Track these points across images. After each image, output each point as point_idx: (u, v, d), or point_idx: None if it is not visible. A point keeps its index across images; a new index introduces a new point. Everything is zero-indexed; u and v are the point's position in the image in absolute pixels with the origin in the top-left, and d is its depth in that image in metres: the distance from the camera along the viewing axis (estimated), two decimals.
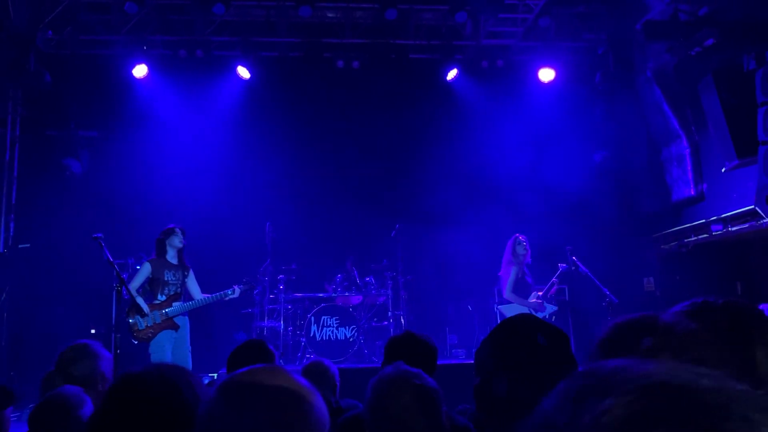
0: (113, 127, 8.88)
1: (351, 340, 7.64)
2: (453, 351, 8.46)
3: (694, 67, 7.80)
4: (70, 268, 7.94)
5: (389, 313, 8.03)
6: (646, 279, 8.96)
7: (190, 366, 5.69)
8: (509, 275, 6.95)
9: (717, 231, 7.79)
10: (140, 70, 8.62)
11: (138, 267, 6.41)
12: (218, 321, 8.37)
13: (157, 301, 5.87)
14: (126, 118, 8.87)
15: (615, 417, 0.44)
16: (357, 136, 9.40)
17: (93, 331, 7.93)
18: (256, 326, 7.95)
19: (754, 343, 1.07)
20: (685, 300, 1.21)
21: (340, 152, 9.34)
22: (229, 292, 6.13)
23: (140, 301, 5.71)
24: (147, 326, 5.74)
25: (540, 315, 6.75)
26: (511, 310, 6.85)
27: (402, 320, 8.02)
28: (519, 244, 7.02)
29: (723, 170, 7.50)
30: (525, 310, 6.71)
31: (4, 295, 8.01)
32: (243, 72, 8.97)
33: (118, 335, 4.73)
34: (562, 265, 7.02)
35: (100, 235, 4.92)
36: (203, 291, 6.15)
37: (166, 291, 5.91)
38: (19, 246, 8.40)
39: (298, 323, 8.00)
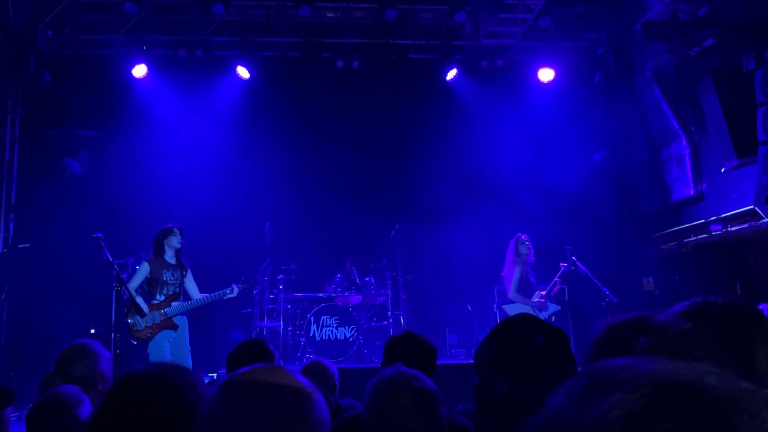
0: (113, 127, 8.88)
1: (350, 340, 7.64)
2: (453, 351, 8.46)
3: (693, 67, 7.81)
4: (69, 268, 7.94)
5: (389, 313, 8.03)
6: (645, 279, 8.97)
7: (190, 365, 5.69)
8: (513, 275, 6.93)
9: (716, 231, 7.80)
10: (140, 70, 8.62)
11: (138, 267, 6.41)
12: (218, 321, 8.37)
13: (156, 301, 5.86)
14: (126, 118, 8.87)
15: (623, 412, 0.44)
16: (357, 136, 9.39)
17: (93, 331, 7.93)
18: (256, 326, 7.94)
19: (753, 343, 1.07)
20: (685, 300, 1.21)
21: (339, 152, 9.34)
22: (228, 292, 6.13)
23: (140, 300, 5.70)
24: (146, 326, 5.74)
25: (543, 314, 6.77)
26: (514, 310, 6.84)
27: (402, 320, 8.02)
28: (522, 243, 7.00)
29: (722, 170, 7.50)
30: (529, 309, 6.71)
31: (3, 295, 8.01)
32: (242, 72, 8.97)
33: (118, 335, 4.72)
34: (564, 265, 7.01)
35: (99, 234, 4.91)
36: (203, 291, 6.14)
37: (164, 291, 5.90)
38: (19, 246, 8.40)
39: (297, 323, 8.00)
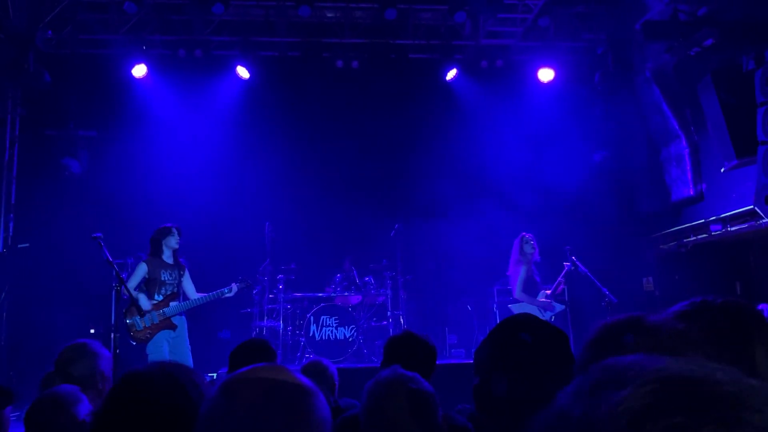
0: (112, 126, 8.87)
1: (350, 339, 7.64)
2: (452, 351, 8.47)
3: (693, 67, 7.81)
4: (69, 267, 7.93)
5: (388, 313, 8.03)
6: (645, 279, 8.97)
7: (191, 365, 5.68)
8: (518, 274, 6.89)
9: (716, 231, 7.80)
10: (139, 70, 8.62)
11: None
12: (218, 321, 8.37)
13: (155, 301, 5.85)
14: (125, 118, 8.86)
15: (632, 406, 0.44)
16: (356, 136, 9.39)
17: (92, 331, 7.93)
18: (256, 326, 7.94)
19: (753, 343, 1.08)
20: (685, 300, 1.21)
21: (339, 152, 9.34)
22: (226, 291, 6.10)
23: (142, 297, 5.70)
24: (145, 327, 5.73)
25: (548, 315, 6.77)
26: (520, 309, 6.83)
27: (401, 320, 8.02)
28: (527, 242, 6.98)
29: (722, 170, 7.51)
30: (535, 309, 6.71)
31: (3, 294, 8.00)
32: (242, 72, 8.97)
33: (117, 335, 4.72)
34: (567, 264, 6.99)
35: (99, 234, 4.90)
36: (203, 291, 6.14)
37: (163, 291, 5.89)
38: (19, 246, 8.40)
39: (297, 323, 8.00)
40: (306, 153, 9.43)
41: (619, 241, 8.90)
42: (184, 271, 6.08)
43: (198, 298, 6.02)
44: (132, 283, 5.78)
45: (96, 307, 7.56)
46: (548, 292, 7.05)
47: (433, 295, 9.10)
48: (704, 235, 8.10)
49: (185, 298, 6.06)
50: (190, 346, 5.98)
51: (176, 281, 5.98)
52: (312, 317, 7.66)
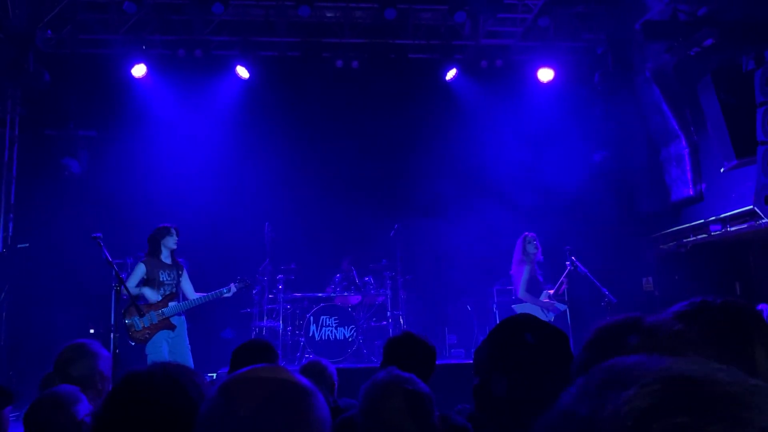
0: (112, 126, 8.88)
1: (350, 340, 7.64)
2: (452, 351, 8.47)
3: (693, 67, 7.81)
4: (69, 267, 7.93)
5: (388, 313, 8.03)
6: (645, 279, 8.97)
7: (191, 365, 5.68)
8: (521, 274, 6.88)
9: (716, 231, 7.81)
10: (139, 70, 8.62)
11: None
12: (217, 321, 8.37)
13: (154, 302, 5.86)
14: (125, 118, 8.86)
15: (637, 406, 0.45)
16: (356, 136, 9.39)
17: (92, 331, 7.93)
18: (255, 326, 7.94)
19: (753, 343, 1.07)
20: (684, 300, 1.21)
21: (339, 152, 9.34)
22: (225, 291, 6.09)
23: (147, 290, 5.70)
24: (144, 327, 5.72)
25: (552, 315, 6.77)
26: (524, 309, 6.83)
27: (401, 320, 8.03)
28: (529, 242, 6.96)
29: (722, 170, 7.51)
30: (537, 309, 6.71)
31: (3, 294, 8.00)
32: (242, 72, 8.97)
33: (117, 335, 4.72)
34: (569, 264, 6.99)
35: (99, 234, 4.90)
36: (202, 291, 6.13)
37: (161, 291, 5.88)
38: (18, 246, 8.40)
39: (297, 323, 8.00)
40: (306, 153, 9.43)
41: (618, 241, 8.90)
42: (182, 272, 6.07)
43: (197, 299, 6.01)
44: (131, 283, 5.76)
45: (96, 307, 7.56)
46: (551, 292, 7.05)
47: (433, 295, 9.10)
48: (704, 235, 8.10)
49: (184, 298, 6.06)
50: (189, 346, 5.98)
51: (175, 281, 5.97)
52: (312, 317, 7.66)
